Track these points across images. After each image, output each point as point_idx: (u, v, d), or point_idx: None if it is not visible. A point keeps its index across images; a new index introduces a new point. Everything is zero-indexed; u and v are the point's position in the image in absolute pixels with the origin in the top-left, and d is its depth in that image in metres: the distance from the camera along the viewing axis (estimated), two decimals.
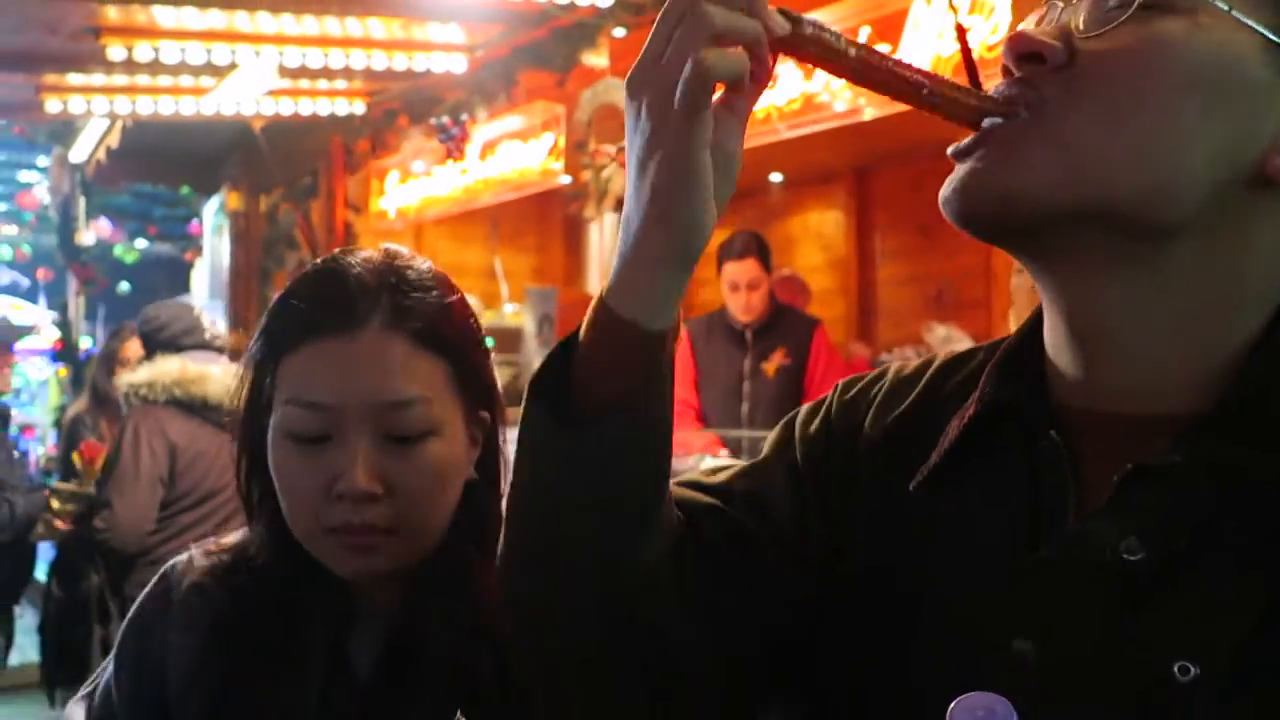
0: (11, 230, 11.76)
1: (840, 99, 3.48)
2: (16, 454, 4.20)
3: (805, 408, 0.89)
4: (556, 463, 0.70)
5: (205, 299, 8.00)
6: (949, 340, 6.22)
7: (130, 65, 3.90)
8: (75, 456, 4.07)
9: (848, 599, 0.76)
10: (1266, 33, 0.65)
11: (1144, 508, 0.65)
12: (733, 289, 3.98)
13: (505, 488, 0.93)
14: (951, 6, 2.67)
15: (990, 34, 2.92)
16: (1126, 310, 0.69)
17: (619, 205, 4.12)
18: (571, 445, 0.68)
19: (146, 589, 1.07)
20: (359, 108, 4.97)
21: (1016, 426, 0.72)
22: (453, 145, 4.61)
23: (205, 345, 3.25)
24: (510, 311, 6.45)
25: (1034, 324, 0.77)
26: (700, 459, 3.72)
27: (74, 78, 4.17)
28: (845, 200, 7.00)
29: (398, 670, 0.97)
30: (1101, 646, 0.64)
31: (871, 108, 3.33)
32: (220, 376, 3.00)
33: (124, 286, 13.16)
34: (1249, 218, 0.68)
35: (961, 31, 2.67)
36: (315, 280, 0.98)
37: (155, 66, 3.96)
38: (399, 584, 0.97)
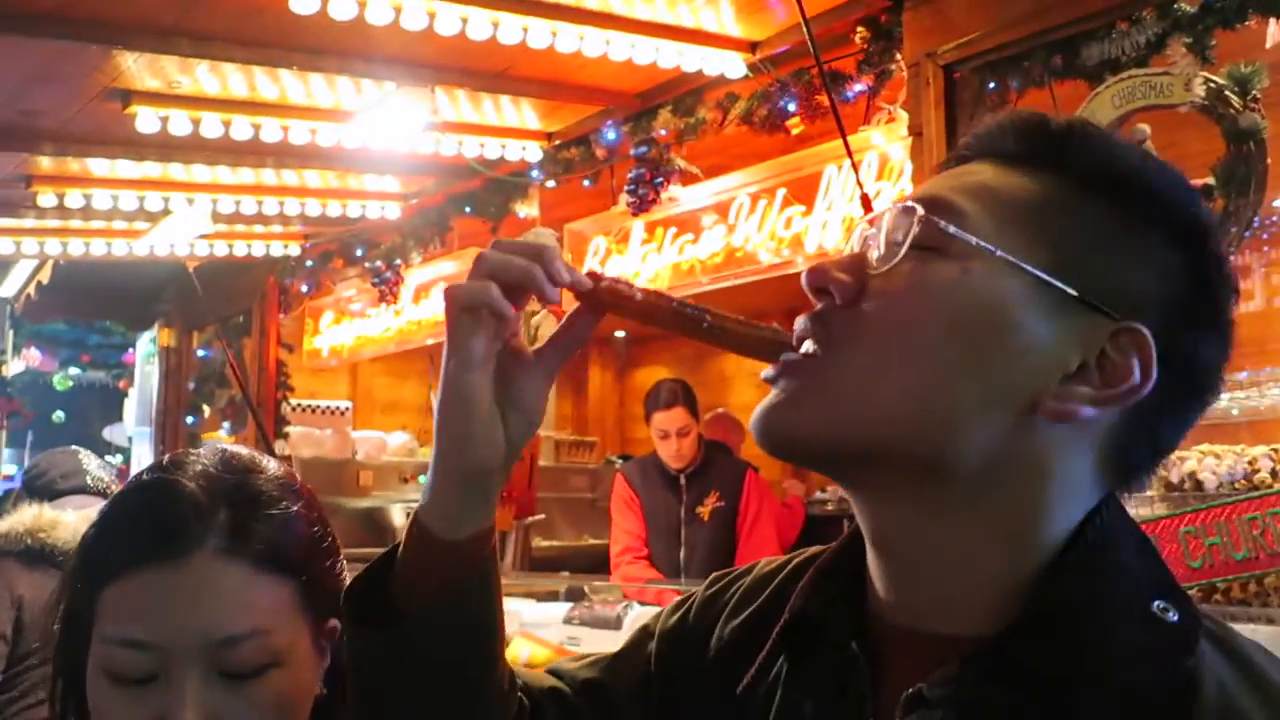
0: None
1: (765, 250, 3.59)
2: None
3: (671, 603, 0.93)
4: (372, 660, 0.74)
5: (133, 426, 7.88)
6: None
7: (61, 210, 3.92)
8: None
9: None
10: (1038, 272, 0.67)
11: None
12: (662, 437, 4.04)
13: None
14: (859, 179, 2.80)
15: (898, 199, 3.06)
16: (921, 538, 0.70)
17: None
18: (381, 641, 0.73)
19: None
20: (294, 250, 5.02)
21: (823, 636, 0.75)
22: (386, 289, 4.65)
23: (83, 489, 3.15)
24: None
25: (857, 531, 0.78)
26: (628, 606, 3.69)
27: (3, 220, 4.18)
28: None
29: None
30: None
31: (801, 261, 3.44)
32: (72, 523, 2.88)
33: (58, 415, 12.91)
34: (1036, 451, 0.68)
35: (866, 200, 2.80)
36: (141, 498, 0.90)
37: (87, 212, 3.98)
38: None
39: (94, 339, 11.38)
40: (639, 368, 8.18)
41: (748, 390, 7.28)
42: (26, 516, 2.95)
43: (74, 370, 11.75)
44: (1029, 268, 0.67)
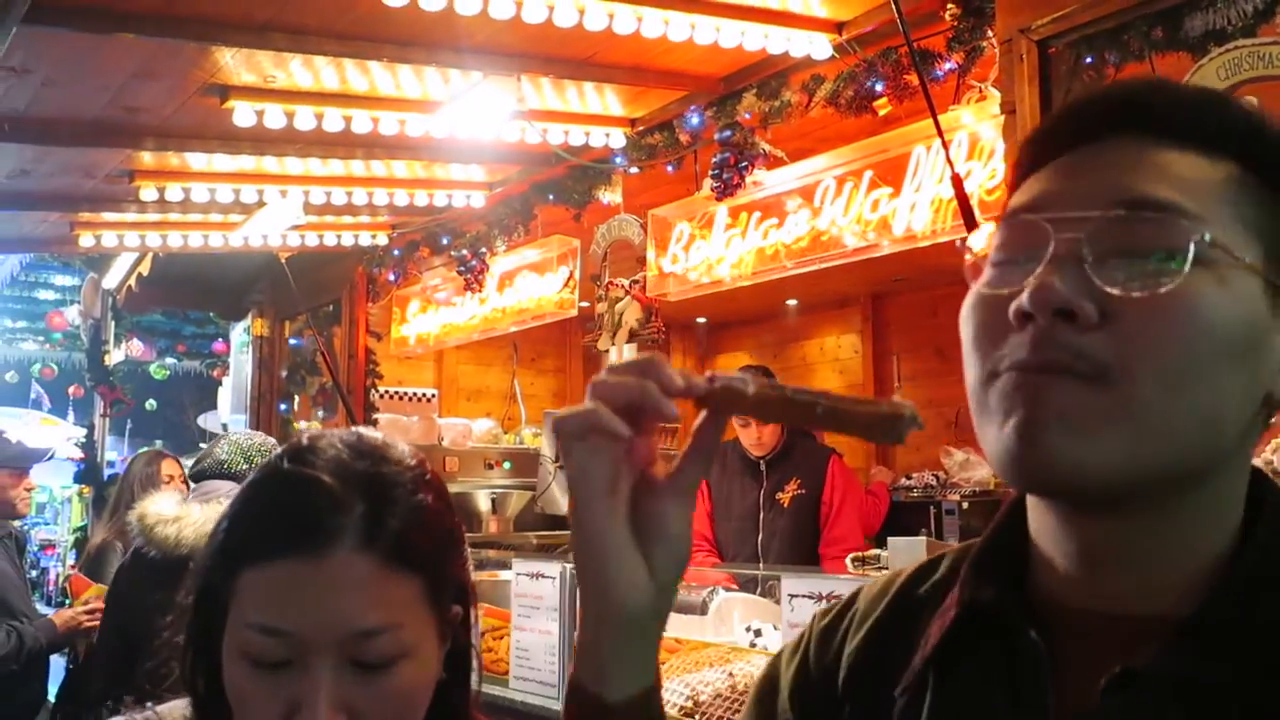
0: (42, 347, 12.02)
1: (850, 233, 3.55)
2: (30, 576, 4.21)
3: (786, 647, 0.89)
4: None
5: (228, 414, 8.12)
6: (967, 464, 6.19)
7: (162, 204, 4.05)
8: (66, 585, 4.12)
9: None
10: (1269, 276, 0.67)
11: (1128, 711, 0.65)
12: (743, 425, 4.04)
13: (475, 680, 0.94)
14: (948, 158, 2.75)
15: (988, 179, 3.00)
16: (1152, 538, 0.69)
17: (632, 337, 4.21)
18: None
19: None
20: (382, 239, 5.11)
21: (996, 627, 0.72)
22: (471, 277, 4.71)
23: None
24: (529, 433, 6.49)
25: (1006, 525, 0.78)
26: (713, 592, 3.70)
27: (108, 214, 4.33)
28: (861, 324, 7.07)
29: None
30: None
31: (888, 244, 3.40)
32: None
33: (151, 403, 13.37)
34: (1252, 440, 0.70)
35: (958, 180, 2.75)
36: (280, 487, 0.90)
37: (185, 205, 4.10)
38: None
39: (189, 330, 11.76)
40: (720, 353, 8.16)
41: (831, 377, 7.23)
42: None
43: (170, 360, 12.16)
44: (1264, 273, 0.67)
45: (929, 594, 0.81)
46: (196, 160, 3.82)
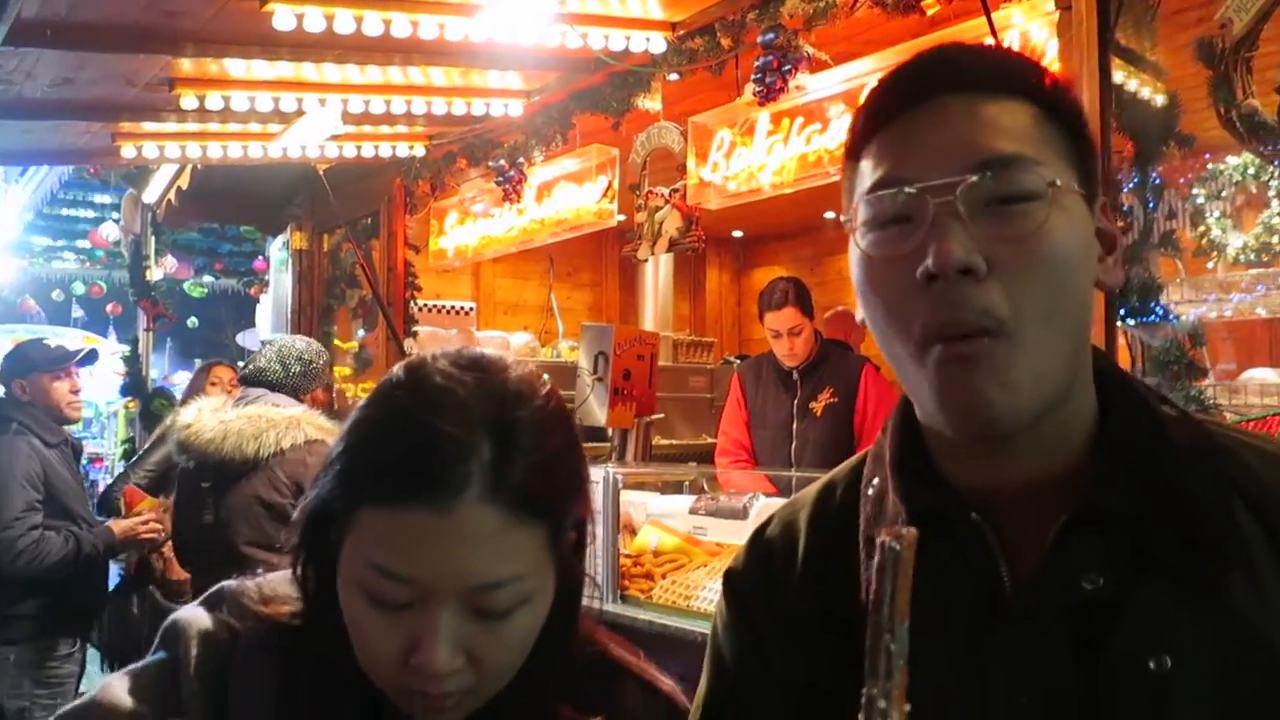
0: (83, 266, 12.12)
1: None
2: (84, 484, 4.33)
3: (715, 624, 0.97)
4: None
5: (268, 332, 8.21)
6: None
7: (202, 113, 4.05)
8: (120, 499, 4.22)
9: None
10: (1087, 198, 0.82)
11: (1080, 550, 0.78)
12: (775, 336, 4.06)
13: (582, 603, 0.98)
14: None
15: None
16: (1046, 427, 0.81)
17: (671, 246, 4.19)
18: None
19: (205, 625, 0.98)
20: (419, 150, 5.09)
21: (938, 526, 0.82)
22: (510, 188, 4.69)
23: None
24: (566, 347, 6.53)
25: (905, 438, 0.88)
26: (754, 498, 3.74)
27: (148, 125, 4.33)
28: None
29: None
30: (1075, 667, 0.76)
31: None
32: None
33: (192, 321, 13.52)
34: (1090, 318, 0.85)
35: None
36: (403, 428, 0.86)
37: (225, 114, 4.10)
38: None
39: (226, 247, 11.81)
40: (756, 267, 8.14)
41: None
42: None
43: (207, 278, 12.25)
44: (1077, 186, 0.81)
45: (841, 518, 0.91)
46: (235, 67, 3.80)
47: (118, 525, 4.03)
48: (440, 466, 0.83)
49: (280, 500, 3.33)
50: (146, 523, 4.07)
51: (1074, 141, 0.82)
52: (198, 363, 5.62)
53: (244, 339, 10.73)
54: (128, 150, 4.49)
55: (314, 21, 3.22)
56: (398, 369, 0.92)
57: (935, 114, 0.81)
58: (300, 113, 4.15)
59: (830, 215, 7.14)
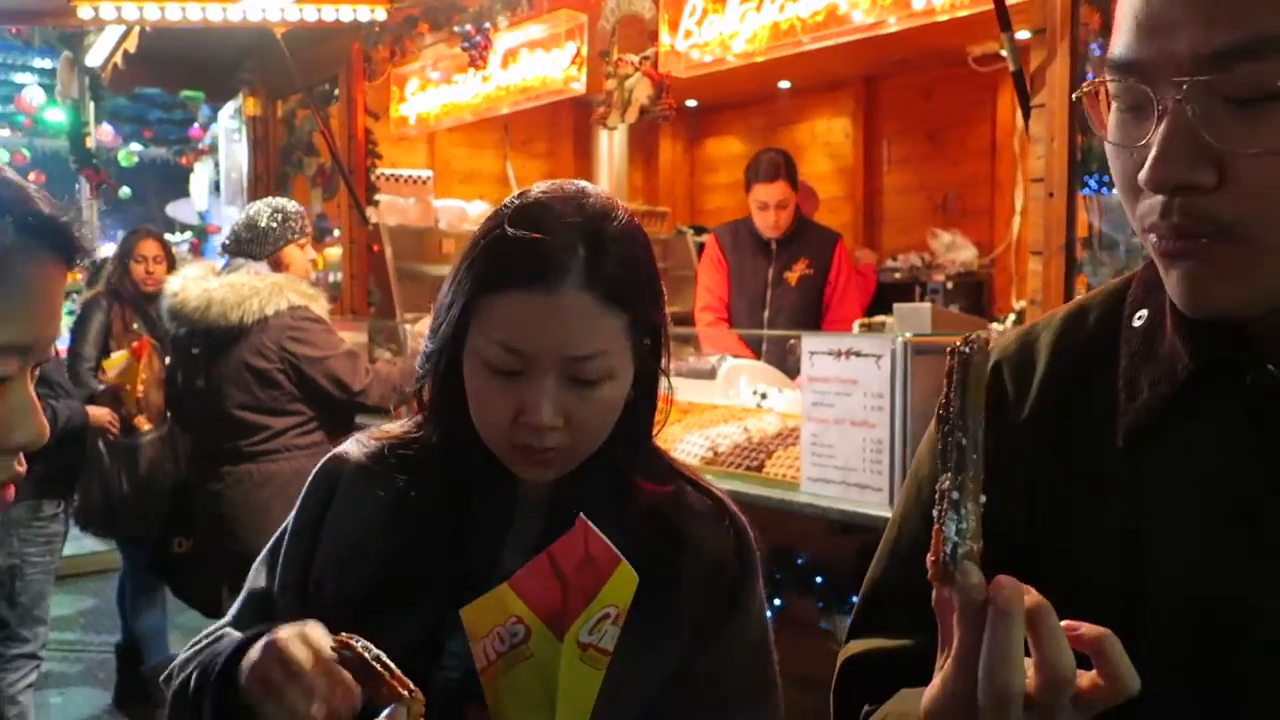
0: (15, 136, 11.64)
1: (859, 9, 3.56)
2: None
3: (920, 448, 0.94)
4: None
5: (203, 202, 8.06)
6: (953, 246, 6.40)
7: None
8: (123, 355, 4.25)
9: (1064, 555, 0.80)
10: None
11: None
12: (761, 208, 4.14)
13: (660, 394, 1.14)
14: None
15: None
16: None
17: (642, 115, 4.24)
18: None
19: (317, 467, 1.21)
20: (380, 15, 5.00)
21: (1227, 375, 0.75)
22: (475, 54, 4.67)
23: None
24: None
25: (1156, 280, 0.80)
26: (721, 359, 3.92)
27: None
28: (853, 108, 7.09)
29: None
30: None
31: (895, 20, 3.42)
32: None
33: (125, 191, 13.14)
34: None
35: None
36: (520, 233, 1.04)
37: None
38: (560, 478, 1.11)
39: (155, 114, 11.42)
40: (709, 137, 8.17)
41: (821, 160, 7.29)
42: None
43: (135, 145, 11.87)
44: None
45: (1092, 349, 0.85)
46: None
47: (92, 412, 4.11)
48: (547, 259, 1.02)
49: (267, 366, 3.41)
50: (112, 421, 4.23)
51: None
52: (120, 234, 5.60)
53: (174, 209, 10.50)
54: (84, 10, 4.36)
55: None
56: (509, 199, 1.10)
57: None
58: None
59: (785, 85, 7.17)
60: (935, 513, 0.68)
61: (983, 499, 0.68)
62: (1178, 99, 0.67)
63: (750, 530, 1.18)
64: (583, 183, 1.11)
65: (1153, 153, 0.69)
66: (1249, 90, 0.65)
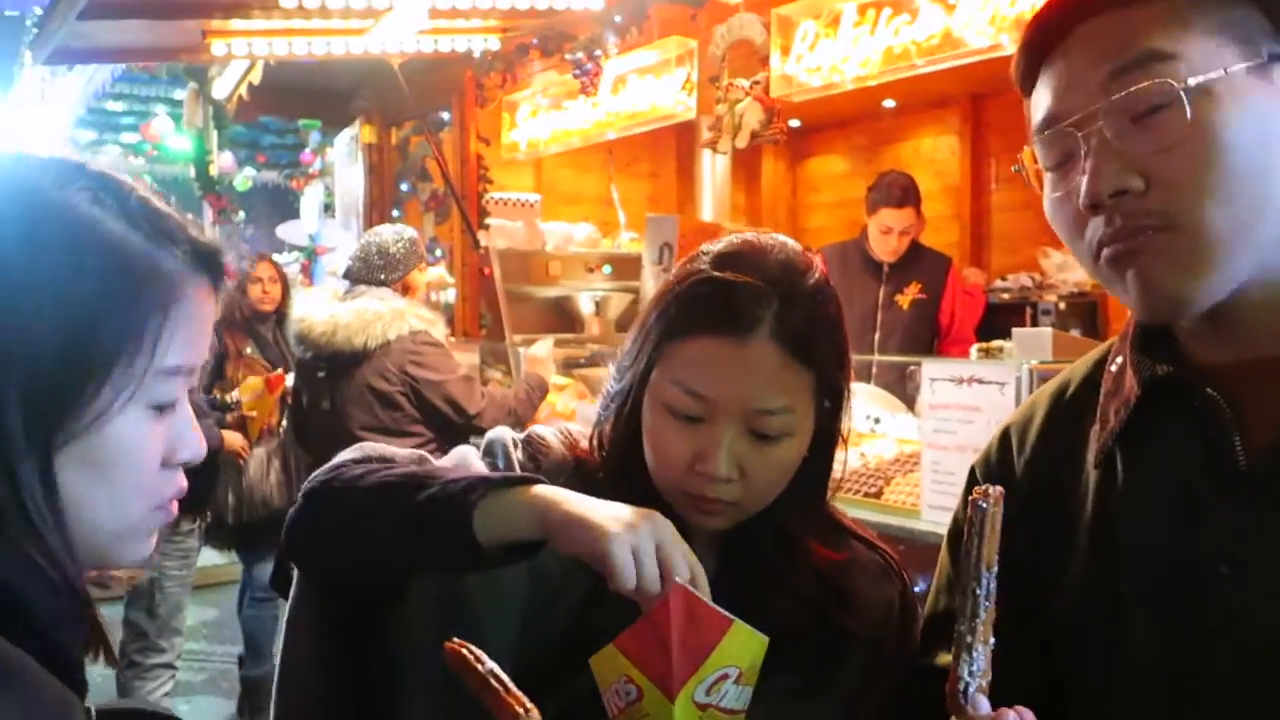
0: (128, 160, 12.18)
1: (974, 31, 3.53)
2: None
3: (955, 511, 1.06)
4: None
5: (319, 224, 8.31)
6: (1065, 266, 6.26)
7: (300, 10, 4.12)
8: (259, 381, 4.39)
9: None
10: (1257, 55, 0.80)
11: None
12: (884, 232, 4.09)
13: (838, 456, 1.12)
14: None
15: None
16: (1271, 304, 0.84)
17: (753, 139, 4.27)
18: None
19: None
20: (494, 43, 5.13)
21: (1174, 396, 0.86)
22: (587, 80, 4.75)
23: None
24: (628, 239, 6.64)
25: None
26: None
27: (237, 23, 4.41)
28: (959, 125, 7.00)
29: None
30: None
31: (1010, 40, 3.39)
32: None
33: (240, 216, 13.63)
34: None
35: None
36: (715, 279, 1.04)
37: (318, 11, 4.17)
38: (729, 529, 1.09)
39: (268, 139, 11.84)
40: (811, 156, 8.15)
41: (926, 178, 7.17)
42: None
43: (249, 170, 12.31)
44: (1259, 55, 0.80)
45: (1082, 394, 0.98)
46: None
47: (226, 437, 4.22)
48: (740, 307, 1.01)
49: (389, 388, 3.52)
50: (244, 447, 4.29)
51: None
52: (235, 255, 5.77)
53: (284, 231, 10.86)
54: (218, 46, 4.58)
55: None
56: (705, 246, 1.10)
57: (1083, 43, 0.83)
58: (389, 9, 4.21)
59: (889, 104, 7.12)
60: (952, 653, 0.81)
61: (991, 641, 0.81)
62: (1098, 125, 0.80)
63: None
64: (780, 236, 1.10)
65: (1086, 176, 0.81)
66: (1143, 105, 0.79)
